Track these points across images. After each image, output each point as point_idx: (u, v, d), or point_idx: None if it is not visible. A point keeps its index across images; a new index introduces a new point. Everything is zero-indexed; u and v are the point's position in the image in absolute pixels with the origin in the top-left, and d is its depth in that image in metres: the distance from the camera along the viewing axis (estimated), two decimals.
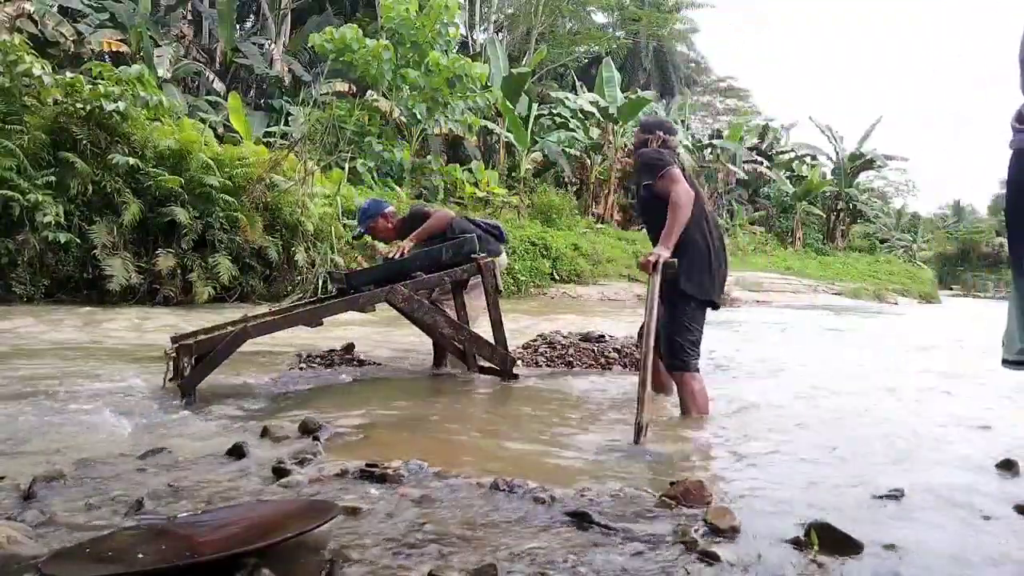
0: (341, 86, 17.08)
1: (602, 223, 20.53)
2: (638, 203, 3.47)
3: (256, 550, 1.36)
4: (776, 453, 2.59)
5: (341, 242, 10.33)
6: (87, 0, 16.30)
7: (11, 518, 1.62)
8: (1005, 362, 1.44)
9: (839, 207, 31.96)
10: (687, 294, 3.06)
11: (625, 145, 20.75)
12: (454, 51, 16.08)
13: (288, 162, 10.31)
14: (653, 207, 3.13)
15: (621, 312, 10.52)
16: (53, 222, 8.05)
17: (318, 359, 4.51)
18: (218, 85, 17.56)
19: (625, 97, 20.89)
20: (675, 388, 3.36)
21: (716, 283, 3.15)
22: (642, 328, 2.95)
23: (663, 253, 2.95)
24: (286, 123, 16.00)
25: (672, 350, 3.11)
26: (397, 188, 14.70)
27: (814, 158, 32.35)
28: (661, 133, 3.35)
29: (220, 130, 13.55)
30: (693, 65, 36.03)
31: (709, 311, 3.20)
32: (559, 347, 4.88)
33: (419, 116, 15.78)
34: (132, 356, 4.68)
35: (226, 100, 14.50)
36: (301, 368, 4.30)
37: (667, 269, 2.94)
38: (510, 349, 4.09)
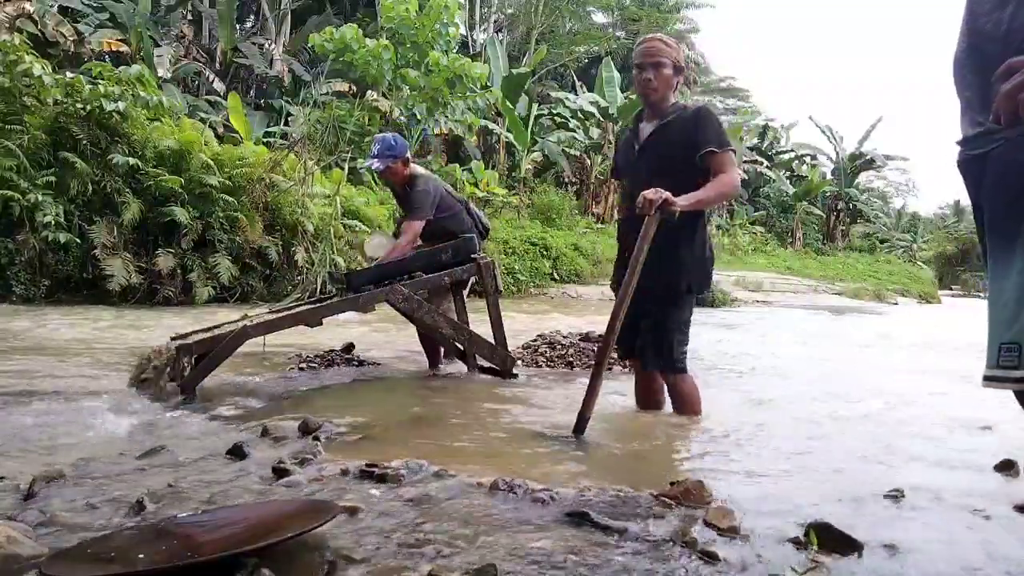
0: (341, 86, 17.08)
1: (602, 223, 20.53)
2: (659, 149, 2.88)
3: (256, 550, 1.36)
4: (776, 453, 2.59)
5: (341, 242, 10.33)
6: (87, 0, 16.30)
7: (11, 518, 1.62)
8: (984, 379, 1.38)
9: (839, 207, 31.97)
10: (692, 291, 2.87)
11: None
12: (454, 51, 16.08)
13: (288, 162, 10.32)
14: (681, 164, 2.76)
15: None
16: (53, 222, 8.06)
17: (318, 359, 4.51)
18: (218, 85, 17.57)
19: (625, 97, 20.88)
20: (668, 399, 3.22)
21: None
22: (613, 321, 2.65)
23: (673, 198, 2.57)
24: (286, 123, 16.00)
25: (673, 352, 2.88)
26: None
27: (814, 158, 32.39)
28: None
29: (220, 130, 13.57)
30: (693, 65, 35.99)
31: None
32: (559, 347, 4.88)
33: (419, 116, 15.78)
34: (132, 356, 4.68)
35: (226, 100, 14.51)
36: (301, 368, 4.30)
37: (668, 218, 2.62)
38: (510, 349, 4.09)
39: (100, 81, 9.00)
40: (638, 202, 2.63)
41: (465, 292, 4.21)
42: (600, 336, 5.16)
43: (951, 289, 37.76)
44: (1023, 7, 1.25)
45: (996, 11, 1.27)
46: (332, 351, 4.69)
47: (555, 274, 14.37)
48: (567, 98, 21.38)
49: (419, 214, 4.11)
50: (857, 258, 28.76)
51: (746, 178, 27.76)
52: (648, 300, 2.84)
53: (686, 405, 2.98)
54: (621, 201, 3.21)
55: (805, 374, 4.92)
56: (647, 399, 3.13)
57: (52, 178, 8.31)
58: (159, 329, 6.15)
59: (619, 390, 3.78)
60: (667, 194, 2.60)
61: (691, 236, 2.86)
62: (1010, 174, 1.28)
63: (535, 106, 20.14)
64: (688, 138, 2.81)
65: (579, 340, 5.02)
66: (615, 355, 4.65)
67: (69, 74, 9.02)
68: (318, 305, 3.77)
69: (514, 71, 18.91)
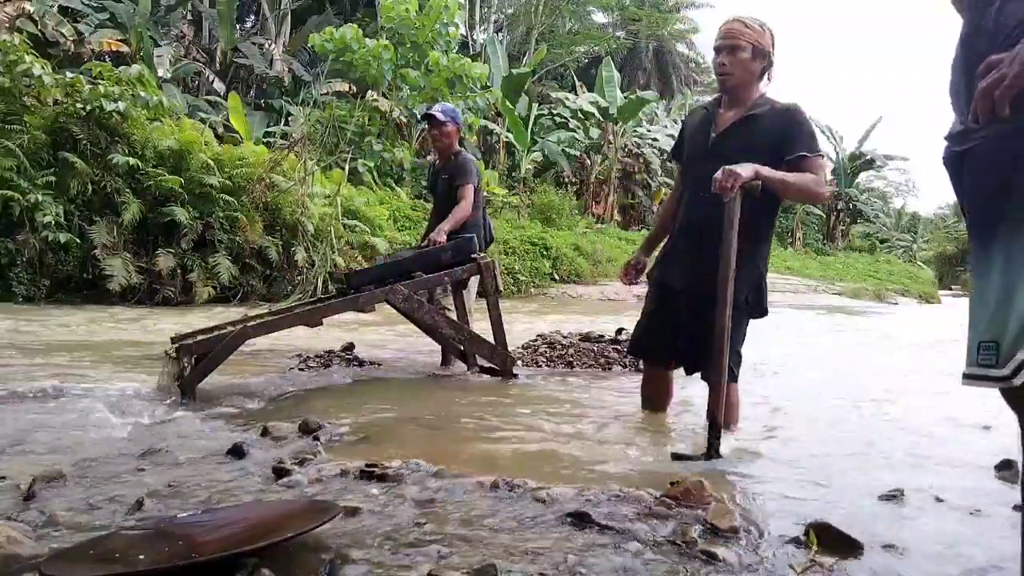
0: (341, 86, 17.08)
1: (602, 223, 20.55)
2: (740, 141, 2.63)
3: (256, 550, 1.36)
4: (776, 453, 2.59)
5: (341, 242, 10.33)
6: (87, 0, 16.29)
7: (11, 518, 1.62)
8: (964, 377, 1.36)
9: (839, 207, 31.98)
10: (748, 304, 2.70)
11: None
12: (454, 51, 16.08)
13: (288, 162, 10.32)
14: (760, 163, 2.47)
15: (622, 312, 10.50)
16: (53, 222, 8.06)
17: (318, 359, 4.50)
18: (218, 85, 17.56)
19: (625, 97, 20.91)
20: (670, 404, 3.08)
21: None
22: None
23: (748, 172, 2.37)
24: (286, 123, 16.00)
25: (731, 362, 2.66)
26: (397, 188, 14.70)
27: None
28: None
29: (220, 130, 13.56)
30: (693, 65, 36.00)
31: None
32: (559, 347, 4.88)
33: (419, 116, 15.79)
34: (132, 356, 4.69)
35: (226, 100, 14.51)
36: (301, 368, 4.30)
37: (751, 191, 2.41)
38: (510, 349, 4.09)
39: (100, 81, 9.00)
40: (714, 186, 2.40)
41: (470, 294, 4.21)
42: (597, 335, 5.16)
43: (951, 289, 37.72)
44: (1010, 1, 1.23)
45: (991, 5, 1.26)
46: (332, 351, 4.69)
47: (555, 274, 14.37)
48: (567, 98, 21.40)
49: (471, 178, 4.26)
50: (857, 258, 28.77)
51: None
52: (713, 305, 2.58)
53: (731, 416, 2.78)
54: (682, 187, 2.94)
55: (805, 374, 4.92)
56: (654, 399, 3.02)
57: (52, 178, 8.31)
58: (159, 330, 6.15)
59: (618, 389, 3.79)
60: (744, 171, 2.38)
61: (753, 249, 2.63)
62: (986, 173, 1.27)
63: (535, 106, 20.14)
64: (776, 137, 2.61)
65: (579, 340, 5.02)
66: (616, 354, 4.69)
67: (69, 74, 9.02)
68: (318, 305, 3.77)
69: (514, 71, 18.91)
